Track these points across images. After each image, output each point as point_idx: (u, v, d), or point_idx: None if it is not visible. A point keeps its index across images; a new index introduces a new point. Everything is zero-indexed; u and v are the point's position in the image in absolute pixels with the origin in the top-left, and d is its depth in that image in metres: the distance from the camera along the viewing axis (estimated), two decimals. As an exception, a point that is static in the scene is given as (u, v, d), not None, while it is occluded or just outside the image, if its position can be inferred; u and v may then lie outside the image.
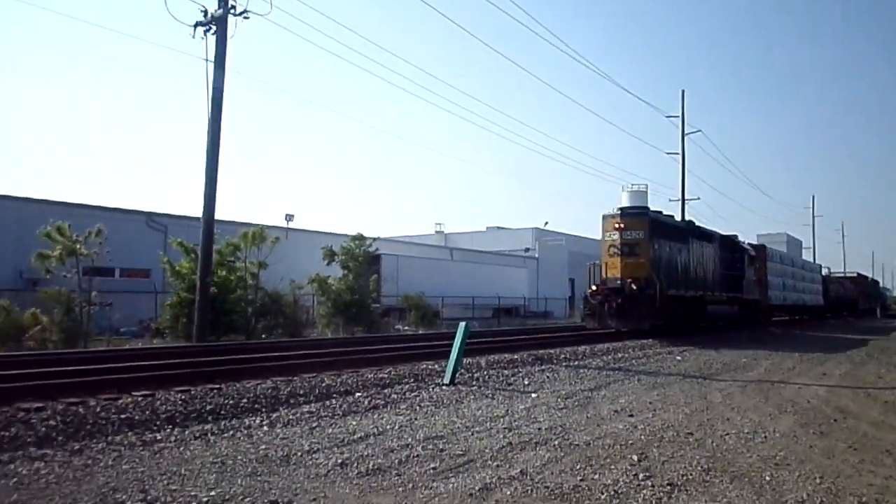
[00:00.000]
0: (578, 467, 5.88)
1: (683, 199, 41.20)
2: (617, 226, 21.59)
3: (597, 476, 5.63)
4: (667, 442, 6.92)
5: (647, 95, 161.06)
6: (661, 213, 23.78)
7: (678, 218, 32.49)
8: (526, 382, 11.34)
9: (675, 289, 22.44)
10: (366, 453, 6.24)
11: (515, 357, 14.15)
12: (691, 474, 5.69)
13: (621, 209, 22.06)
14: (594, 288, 21.97)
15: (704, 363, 15.10)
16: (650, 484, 5.40)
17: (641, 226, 21.54)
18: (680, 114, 41.15)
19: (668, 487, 5.31)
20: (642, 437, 7.16)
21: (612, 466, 5.93)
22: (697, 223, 35.64)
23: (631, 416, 8.37)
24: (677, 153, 41.38)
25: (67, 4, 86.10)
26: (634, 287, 20.85)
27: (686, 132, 41.23)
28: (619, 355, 16.32)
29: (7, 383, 8.33)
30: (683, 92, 42.77)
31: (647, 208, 22.34)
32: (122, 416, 7.33)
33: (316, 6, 33.09)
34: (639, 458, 6.19)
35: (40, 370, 9.74)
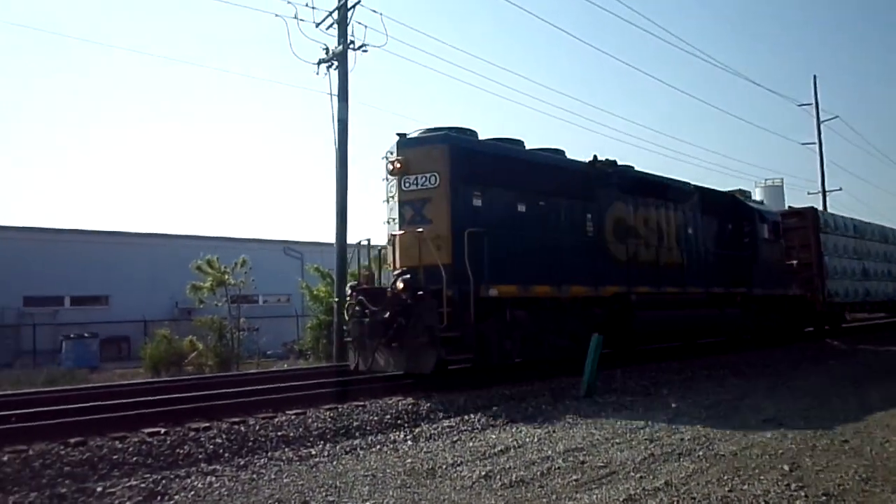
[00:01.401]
0: (726, 478, 5.76)
1: (824, 191, 38.77)
2: (394, 166, 11.76)
3: (746, 487, 5.49)
4: (820, 451, 6.62)
5: (771, 84, 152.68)
6: (506, 140, 13.21)
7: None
8: (665, 392, 11.11)
9: (542, 281, 12.23)
10: (508, 466, 6.39)
11: (654, 367, 13.88)
12: (847, 484, 5.44)
13: (399, 135, 12.16)
14: (349, 292, 12.41)
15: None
16: (804, 494, 5.22)
17: (437, 163, 11.49)
18: (813, 101, 38.82)
19: (824, 498, 5.11)
20: (792, 445, 6.89)
21: (762, 477, 5.76)
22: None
23: (781, 424, 8.05)
24: (813, 143, 39.01)
25: (205, 58, 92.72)
26: (402, 287, 10.71)
27: (821, 119, 38.81)
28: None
29: (177, 405, 9.13)
30: (815, 77, 40.18)
31: (448, 130, 12.20)
32: (279, 433, 7.87)
33: (426, 30, 33.91)
34: (790, 468, 5.98)
35: (202, 392, 10.58)
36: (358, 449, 7.46)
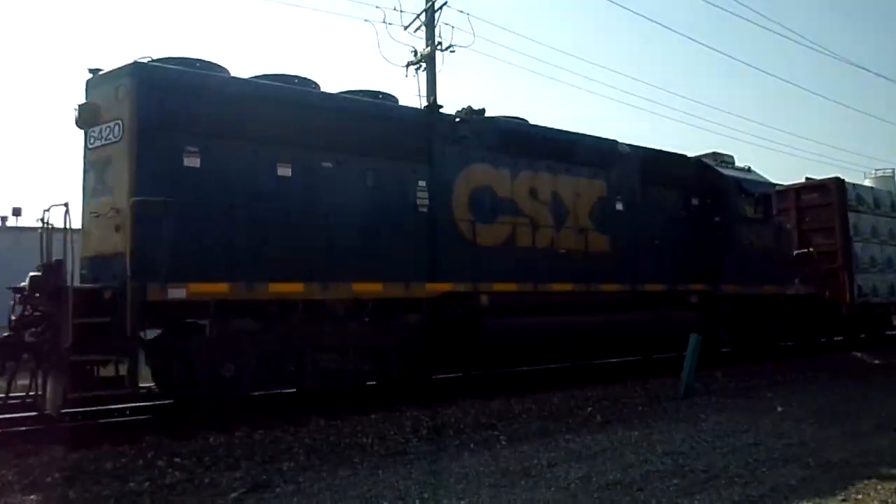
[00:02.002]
0: (837, 487, 5.46)
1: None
2: (78, 114, 8.66)
3: (860, 496, 5.19)
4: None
5: (877, 67, 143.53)
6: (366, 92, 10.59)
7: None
8: (769, 395, 10.64)
9: (295, 276, 8.87)
10: (604, 468, 6.27)
11: (755, 368, 13.34)
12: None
13: (91, 71, 8.74)
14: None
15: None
16: (926, 507, 4.88)
17: (122, 105, 8.30)
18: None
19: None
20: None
21: (879, 486, 5.43)
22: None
23: (897, 431, 7.57)
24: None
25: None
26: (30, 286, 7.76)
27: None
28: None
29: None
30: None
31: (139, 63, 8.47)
32: (374, 430, 8.03)
33: (513, 27, 33.80)
34: (910, 478, 5.61)
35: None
36: (451, 448, 7.50)
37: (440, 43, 19.70)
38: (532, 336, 11.03)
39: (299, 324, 9.00)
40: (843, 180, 17.84)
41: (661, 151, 14.19)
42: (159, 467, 6.55)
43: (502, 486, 5.74)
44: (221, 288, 8.26)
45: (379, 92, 10.68)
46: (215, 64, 9.28)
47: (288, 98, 9.29)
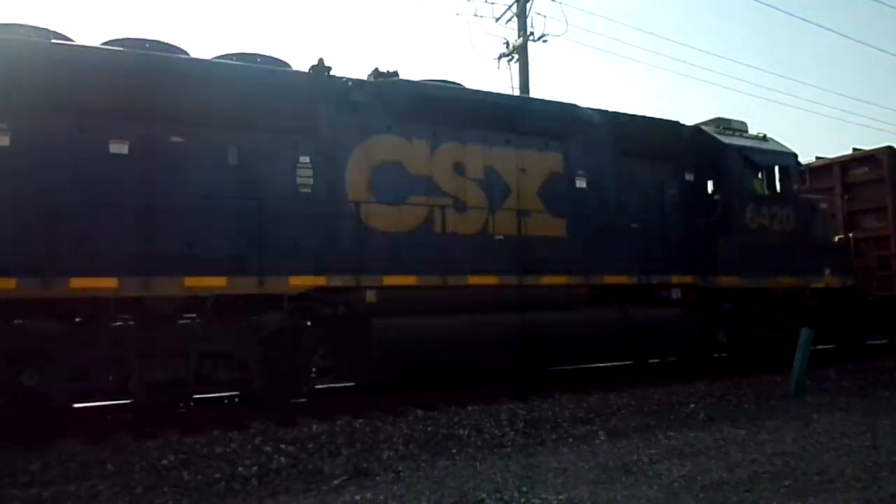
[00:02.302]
0: (971, 494, 5.06)
1: None
2: None
3: None
4: None
5: None
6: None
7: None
8: (887, 394, 10.01)
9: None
10: (709, 467, 6.06)
11: (867, 364, 12.58)
12: None
13: None
14: None
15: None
16: None
17: None
18: None
19: None
20: None
21: None
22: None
23: None
24: None
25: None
26: None
27: None
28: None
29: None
30: None
31: None
32: (471, 422, 8.06)
33: (608, 13, 32.88)
34: None
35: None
36: (548, 442, 7.44)
37: (532, 33, 19.58)
38: (436, 340, 9.14)
39: (117, 327, 7.83)
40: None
41: (641, 118, 11.91)
42: (266, 453, 6.82)
43: (601, 482, 5.64)
44: (7, 284, 7.03)
45: (258, 55, 9.22)
46: (51, 31, 8.24)
47: (126, 66, 7.99)
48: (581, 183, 10.92)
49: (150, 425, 7.64)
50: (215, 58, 8.99)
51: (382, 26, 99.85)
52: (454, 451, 7.08)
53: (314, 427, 7.69)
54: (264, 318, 8.39)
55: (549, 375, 11.20)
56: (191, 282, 7.86)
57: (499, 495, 5.32)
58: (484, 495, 5.29)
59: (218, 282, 8.00)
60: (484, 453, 6.99)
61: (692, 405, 9.21)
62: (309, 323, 8.89)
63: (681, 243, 11.54)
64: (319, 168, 8.93)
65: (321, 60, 9.20)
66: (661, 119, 12.25)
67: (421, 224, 9.46)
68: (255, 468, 6.39)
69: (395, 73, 9.89)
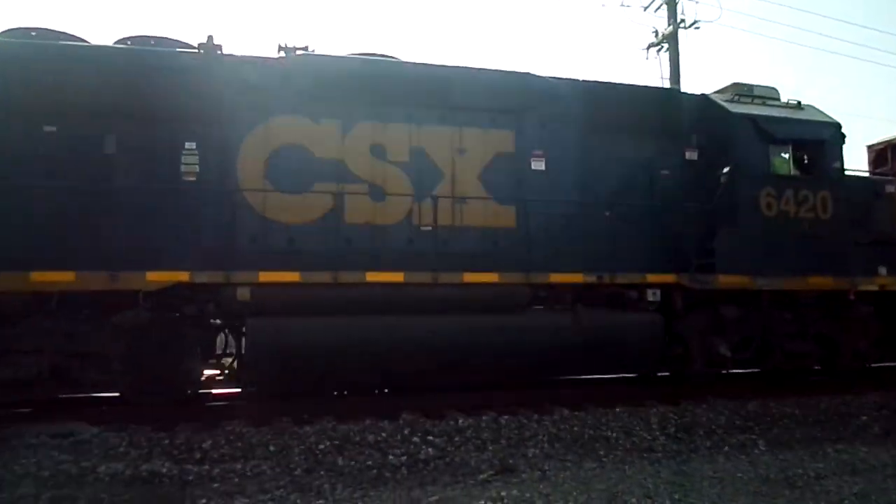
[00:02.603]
0: None
1: None
2: None
3: None
4: None
5: None
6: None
7: None
8: None
9: None
10: (885, 486, 5.57)
11: None
12: None
13: None
14: None
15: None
16: None
17: None
18: None
19: None
20: None
21: None
22: None
23: None
24: None
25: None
26: None
27: None
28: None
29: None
30: None
31: None
32: (619, 424, 7.87)
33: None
34: None
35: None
36: (702, 449, 7.12)
37: (682, 20, 18.78)
38: (319, 346, 8.02)
39: None
40: None
41: (623, 86, 10.10)
42: (414, 443, 7.00)
43: (762, 496, 5.33)
44: None
45: (151, 37, 8.63)
46: None
47: None
48: (538, 164, 9.31)
49: (307, 412, 8.05)
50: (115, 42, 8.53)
51: (522, 21, 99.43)
52: (601, 452, 6.93)
53: (461, 421, 7.79)
54: (121, 316, 7.76)
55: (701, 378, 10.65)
56: (38, 276, 7.34)
57: (649, 501, 5.16)
58: (634, 500, 5.16)
59: (66, 276, 7.41)
60: (633, 457, 6.80)
61: (864, 417, 8.48)
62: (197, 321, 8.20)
63: (669, 235, 9.57)
64: (207, 154, 8.17)
65: (210, 38, 8.38)
66: (651, 87, 10.40)
67: (327, 213, 8.44)
68: (404, 458, 6.59)
69: (305, 48, 8.87)
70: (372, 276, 8.20)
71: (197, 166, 8.10)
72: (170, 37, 8.71)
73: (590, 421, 7.95)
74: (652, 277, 9.30)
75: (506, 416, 8.02)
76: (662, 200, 9.65)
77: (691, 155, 10.09)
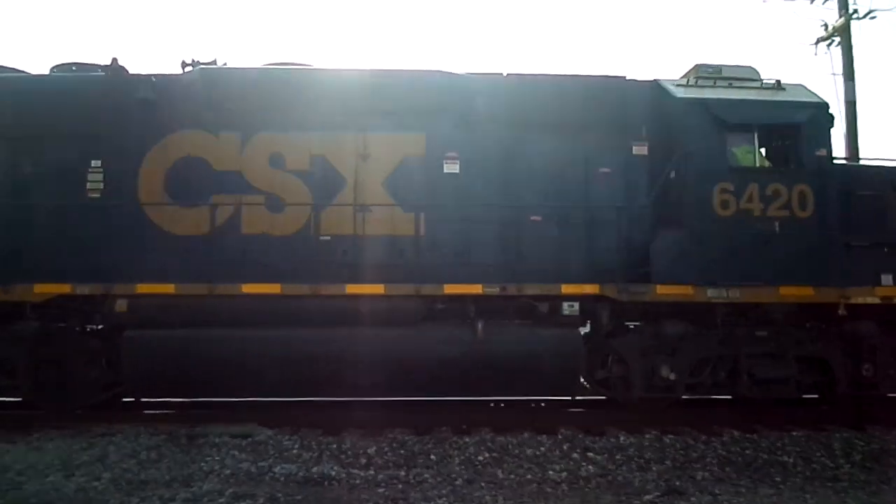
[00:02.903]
0: None
1: None
2: None
3: None
4: None
5: None
6: None
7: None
8: None
9: None
10: None
11: None
12: None
13: None
14: None
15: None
16: None
17: None
18: None
19: None
20: None
21: None
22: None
23: None
24: None
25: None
26: None
27: None
28: None
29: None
30: None
31: None
32: (796, 449, 7.31)
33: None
34: None
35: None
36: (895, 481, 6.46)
37: (856, 10, 17.35)
38: (194, 358, 7.97)
39: None
40: None
41: (556, 78, 9.03)
42: (574, 459, 6.88)
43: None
44: None
45: (73, 63, 9.18)
46: None
47: None
48: (451, 167, 8.73)
49: (466, 422, 8.12)
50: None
51: (682, 20, 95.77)
52: (778, 479, 6.47)
53: (622, 438, 7.55)
54: (16, 326, 8.21)
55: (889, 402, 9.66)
56: None
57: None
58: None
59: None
60: (814, 485, 6.29)
61: None
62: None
63: (599, 240, 8.56)
64: (111, 172, 8.52)
65: (114, 60, 8.76)
66: (590, 77, 9.13)
67: (223, 225, 8.41)
68: (564, 473, 6.48)
69: (214, 62, 9.00)
70: (248, 288, 8.14)
71: (101, 184, 8.52)
72: (91, 62, 9.22)
73: (763, 444, 7.44)
74: (567, 288, 8.29)
75: (670, 436, 7.68)
76: (598, 201, 8.66)
77: (640, 149, 8.89)
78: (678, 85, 8.96)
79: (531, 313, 8.36)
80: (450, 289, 8.24)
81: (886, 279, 8.32)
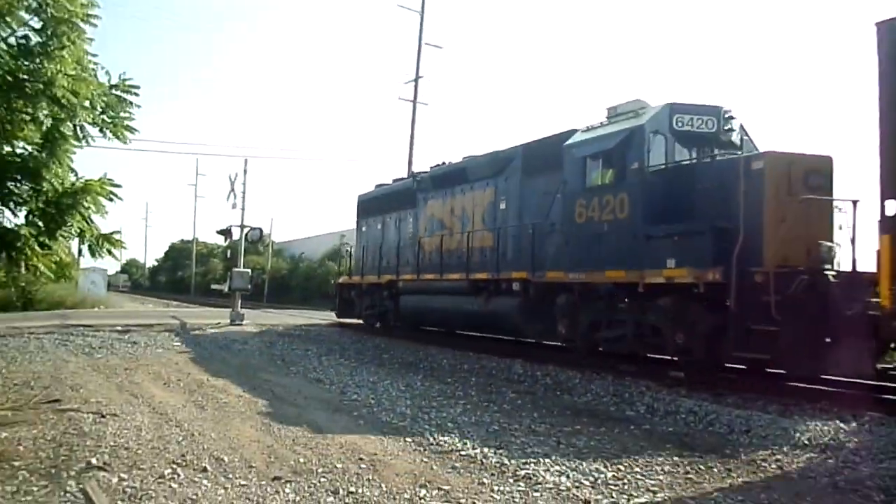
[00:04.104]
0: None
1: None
2: None
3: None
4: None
5: None
6: None
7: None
8: None
9: None
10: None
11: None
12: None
13: None
14: None
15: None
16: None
17: None
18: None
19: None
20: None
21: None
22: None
23: None
24: None
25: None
26: None
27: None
28: None
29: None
30: None
31: None
32: None
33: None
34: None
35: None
36: None
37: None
38: (419, 307, 17.91)
39: None
40: None
41: (543, 139, 13.92)
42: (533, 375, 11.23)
43: None
44: None
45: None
46: None
47: None
48: (502, 205, 14.79)
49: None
50: None
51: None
52: (539, 393, 9.46)
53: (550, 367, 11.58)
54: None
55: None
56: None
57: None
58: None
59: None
60: (558, 398, 9.14)
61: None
62: None
63: (524, 245, 13.47)
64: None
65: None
66: (552, 136, 13.34)
67: (437, 246, 16.87)
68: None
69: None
70: (426, 276, 17.02)
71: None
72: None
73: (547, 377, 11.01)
74: (515, 274, 13.60)
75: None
76: (536, 219, 13.27)
77: (542, 184, 13.42)
78: (571, 134, 12.64)
79: (505, 290, 14.08)
80: (473, 275, 15.01)
81: (670, 263, 10.03)
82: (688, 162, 10.97)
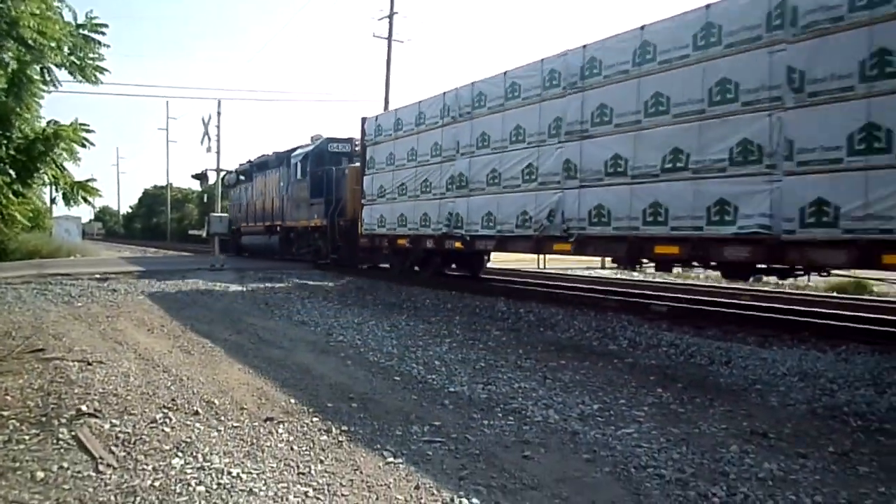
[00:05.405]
0: None
1: None
2: None
3: None
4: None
5: None
6: None
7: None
8: None
9: None
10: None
11: None
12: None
13: None
14: None
15: None
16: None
17: None
18: None
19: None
20: None
21: None
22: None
23: None
24: None
25: None
26: None
27: None
28: None
29: None
30: None
31: None
32: None
33: None
34: None
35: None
36: None
37: None
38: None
39: None
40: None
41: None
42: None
43: None
44: None
45: None
46: None
47: None
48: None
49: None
50: None
51: None
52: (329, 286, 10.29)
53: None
54: None
55: None
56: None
57: None
58: None
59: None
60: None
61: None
62: None
63: (281, 205, 25.21)
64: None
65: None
66: (296, 148, 24.96)
67: None
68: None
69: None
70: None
71: None
72: None
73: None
74: (277, 223, 25.36)
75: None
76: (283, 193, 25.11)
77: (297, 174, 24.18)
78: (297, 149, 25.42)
79: (276, 231, 26.65)
80: (265, 223, 27.78)
81: (316, 216, 21.94)
82: (328, 168, 21.44)
